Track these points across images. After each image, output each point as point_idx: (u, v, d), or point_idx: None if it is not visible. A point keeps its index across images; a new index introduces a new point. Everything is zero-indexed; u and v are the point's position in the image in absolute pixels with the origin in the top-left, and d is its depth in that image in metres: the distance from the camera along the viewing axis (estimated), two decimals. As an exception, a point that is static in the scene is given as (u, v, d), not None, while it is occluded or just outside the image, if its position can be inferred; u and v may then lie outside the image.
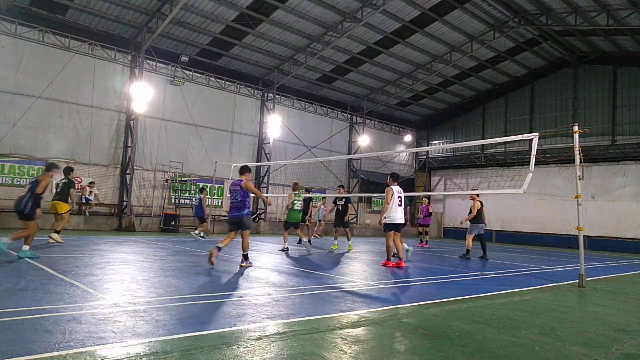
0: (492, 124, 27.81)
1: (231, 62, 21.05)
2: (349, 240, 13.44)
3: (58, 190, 11.05)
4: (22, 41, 15.91)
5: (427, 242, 18.10)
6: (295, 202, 12.34)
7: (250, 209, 8.86)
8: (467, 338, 4.12)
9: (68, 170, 11.12)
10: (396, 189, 9.67)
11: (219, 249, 7.97)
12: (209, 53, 20.07)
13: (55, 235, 10.44)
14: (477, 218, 12.36)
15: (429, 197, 21.69)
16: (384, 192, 9.76)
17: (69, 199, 10.87)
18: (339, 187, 14.37)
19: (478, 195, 12.63)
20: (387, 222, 9.59)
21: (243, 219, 8.24)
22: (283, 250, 11.81)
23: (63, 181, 11.04)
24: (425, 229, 18.31)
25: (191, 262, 8.62)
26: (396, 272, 9.30)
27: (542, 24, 20.17)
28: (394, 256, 10.02)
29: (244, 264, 8.22)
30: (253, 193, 8.52)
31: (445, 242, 23.93)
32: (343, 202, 13.43)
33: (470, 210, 12.51)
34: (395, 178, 10.00)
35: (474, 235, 12.51)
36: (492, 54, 23.10)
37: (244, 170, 8.60)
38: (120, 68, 18.22)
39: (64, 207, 10.83)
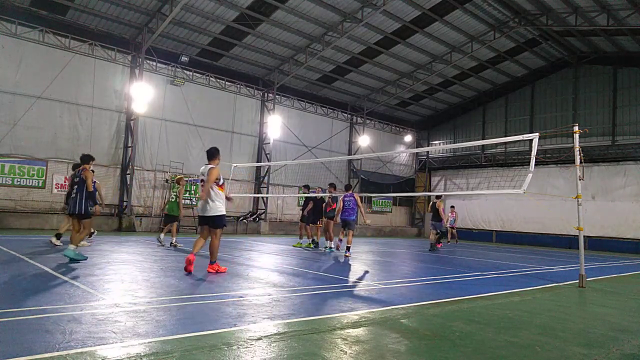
0: (492, 124, 27.78)
1: (231, 62, 21.05)
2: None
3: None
4: (22, 41, 15.89)
5: (455, 239, 20.40)
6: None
7: (356, 216, 11.77)
8: (467, 338, 4.12)
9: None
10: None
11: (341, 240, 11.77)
12: (209, 53, 20.06)
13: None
14: None
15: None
16: (383, 192, 9.82)
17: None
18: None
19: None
20: (223, 213, 7.27)
21: (352, 221, 11.45)
22: (160, 245, 11.39)
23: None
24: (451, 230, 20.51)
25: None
26: (396, 272, 9.30)
27: (542, 24, 20.15)
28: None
29: (348, 254, 10.74)
30: (360, 203, 11.76)
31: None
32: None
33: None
34: (212, 154, 7.71)
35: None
36: (492, 54, 23.08)
37: (350, 186, 12.49)
38: (120, 68, 18.21)
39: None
